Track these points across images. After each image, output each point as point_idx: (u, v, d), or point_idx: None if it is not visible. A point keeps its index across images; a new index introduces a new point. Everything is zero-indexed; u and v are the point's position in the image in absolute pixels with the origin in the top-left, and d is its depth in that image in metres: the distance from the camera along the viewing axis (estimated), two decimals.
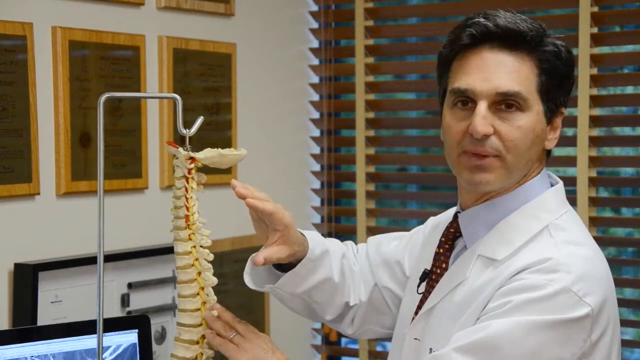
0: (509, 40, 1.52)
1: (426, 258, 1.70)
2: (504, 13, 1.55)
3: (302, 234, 1.72)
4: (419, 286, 1.67)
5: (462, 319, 1.53)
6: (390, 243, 1.87)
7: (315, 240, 1.76)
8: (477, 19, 1.55)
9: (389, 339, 1.83)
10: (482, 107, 1.52)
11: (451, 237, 1.65)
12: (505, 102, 1.52)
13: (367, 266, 1.86)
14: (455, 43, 1.57)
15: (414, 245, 1.83)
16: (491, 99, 1.52)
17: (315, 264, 1.74)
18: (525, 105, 1.52)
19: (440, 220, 1.78)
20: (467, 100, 1.54)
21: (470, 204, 1.61)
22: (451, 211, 1.75)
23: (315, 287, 1.75)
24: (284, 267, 1.73)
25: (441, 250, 1.65)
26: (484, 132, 1.51)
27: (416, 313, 1.66)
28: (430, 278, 1.65)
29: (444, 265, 1.64)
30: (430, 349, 1.57)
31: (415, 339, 1.63)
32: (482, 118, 1.51)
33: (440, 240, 1.66)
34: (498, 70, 1.52)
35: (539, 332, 1.45)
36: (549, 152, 1.62)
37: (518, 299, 1.46)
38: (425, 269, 1.67)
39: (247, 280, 1.75)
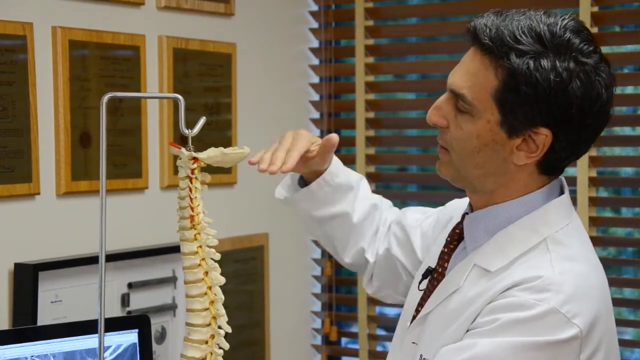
0: (479, 44, 1.50)
1: (432, 255, 1.70)
2: (501, 17, 1.50)
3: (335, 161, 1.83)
4: (420, 282, 1.67)
5: (452, 328, 1.52)
6: (414, 215, 1.89)
7: (344, 172, 1.85)
8: (477, 16, 1.53)
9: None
10: (441, 97, 1.55)
11: (456, 237, 1.64)
12: (457, 102, 1.52)
13: (387, 230, 1.89)
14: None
15: (429, 225, 1.84)
16: (451, 93, 1.53)
17: (335, 192, 1.83)
18: (473, 109, 1.50)
19: (453, 215, 1.76)
20: None
21: (477, 206, 1.60)
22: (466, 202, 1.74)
23: (333, 218, 1.84)
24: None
25: (446, 250, 1.64)
26: (431, 121, 1.55)
27: (416, 311, 1.65)
28: (432, 277, 1.65)
29: (445, 265, 1.63)
30: (421, 355, 1.56)
31: (413, 342, 1.62)
32: (434, 108, 1.55)
33: (446, 240, 1.66)
34: (462, 69, 1.52)
35: (525, 353, 1.43)
36: (550, 166, 1.56)
37: (505, 318, 1.44)
38: (430, 266, 1.66)
39: (278, 190, 1.92)
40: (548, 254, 1.51)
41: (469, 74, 1.50)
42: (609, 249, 2.86)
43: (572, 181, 2.68)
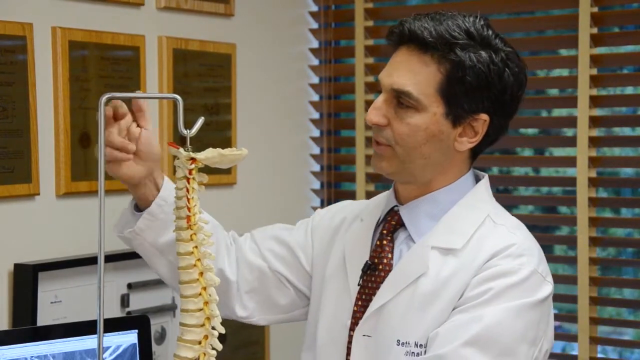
0: (417, 43, 1.63)
1: (357, 250, 1.75)
2: (430, 19, 1.64)
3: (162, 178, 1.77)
4: (361, 278, 1.71)
5: (434, 308, 1.61)
6: (282, 231, 1.90)
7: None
8: (404, 20, 1.67)
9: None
10: (379, 98, 1.66)
11: (392, 229, 1.72)
12: (400, 99, 1.63)
13: (256, 249, 1.88)
14: (387, 40, 1.71)
15: (301, 234, 1.87)
16: (390, 93, 1.64)
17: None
18: (418, 105, 1.62)
19: (347, 215, 1.83)
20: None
21: (410, 197, 1.71)
22: (346, 205, 1.88)
23: None
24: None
25: (385, 242, 1.71)
26: (372, 121, 1.65)
27: (356, 306, 1.70)
28: (377, 269, 1.70)
29: (390, 256, 1.70)
30: (398, 340, 1.63)
31: (365, 335, 1.68)
32: (375, 108, 1.65)
33: (381, 232, 1.73)
34: (400, 68, 1.64)
35: (524, 314, 1.58)
36: (476, 151, 1.72)
37: (498, 286, 1.58)
38: (367, 261, 1.71)
39: (114, 229, 1.82)
40: (499, 226, 1.67)
41: (410, 72, 1.62)
42: (609, 249, 2.86)
43: (572, 181, 2.68)
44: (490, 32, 1.65)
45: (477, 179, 1.75)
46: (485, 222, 1.67)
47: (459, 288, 1.61)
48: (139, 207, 1.79)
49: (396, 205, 1.73)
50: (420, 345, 1.61)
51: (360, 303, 1.71)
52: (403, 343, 1.62)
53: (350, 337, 1.70)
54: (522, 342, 1.58)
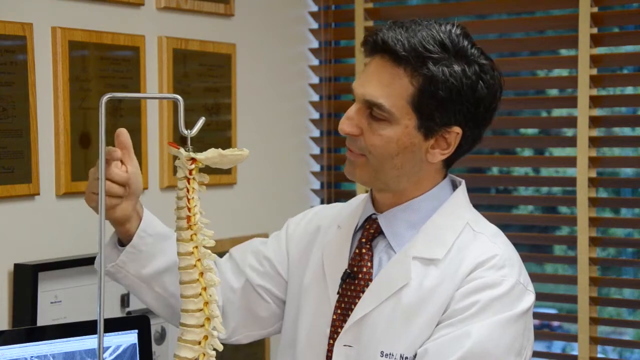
0: (390, 54, 1.61)
1: (335, 258, 1.74)
2: (405, 29, 1.62)
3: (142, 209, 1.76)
4: (340, 286, 1.71)
5: (419, 320, 1.61)
6: (257, 245, 1.90)
7: (157, 221, 1.79)
8: (378, 30, 1.65)
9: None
10: (352, 108, 1.64)
11: (371, 237, 1.71)
12: (372, 110, 1.62)
13: (236, 267, 1.88)
14: (362, 48, 1.69)
15: (286, 245, 1.87)
16: (363, 104, 1.63)
17: (157, 242, 1.76)
18: (390, 117, 1.61)
19: (321, 224, 1.82)
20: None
21: (388, 205, 1.70)
22: (319, 211, 1.86)
23: (164, 272, 1.77)
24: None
25: (364, 251, 1.71)
26: (345, 131, 1.64)
27: (335, 315, 1.69)
28: (357, 277, 1.69)
29: (369, 264, 1.69)
30: (382, 351, 1.62)
31: (346, 345, 1.67)
32: (347, 118, 1.64)
33: (359, 240, 1.72)
34: (373, 79, 1.62)
35: (510, 327, 1.58)
36: (450, 160, 1.70)
37: (484, 299, 1.58)
38: (346, 269, 1.71)
39: (96, 264, 1.77)
40: (479, 234, 1.66)
41: (382, 84, 1.61)
42: (609, 249, 2.86)
43: (572, 181, 2.68)
44: (466, 42, 1.63)
45: (454, 185, 1.74)
46: (465, 229, 1.66)
47: (443, 300, 1.60)
48: (121, 240, 1.77)
49: (374, 214, 1.72)
50: (406, 358, 1.60)
51: (339, 312, 1.69)
52: (387, 354, 1.62)
53: (330, 345, 1.69)
54: (510, 353, 1.58)
